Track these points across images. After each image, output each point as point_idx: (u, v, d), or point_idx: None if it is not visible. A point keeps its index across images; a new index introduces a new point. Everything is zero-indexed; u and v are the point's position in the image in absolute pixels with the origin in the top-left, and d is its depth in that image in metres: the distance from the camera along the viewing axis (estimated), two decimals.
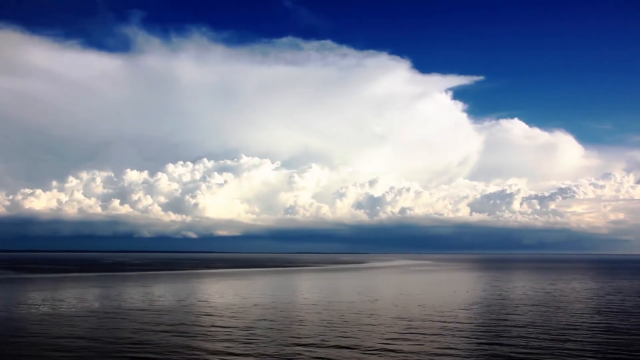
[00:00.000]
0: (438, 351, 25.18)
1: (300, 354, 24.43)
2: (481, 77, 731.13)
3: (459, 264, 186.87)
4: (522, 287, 67.70)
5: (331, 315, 37.73)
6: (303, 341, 27.48)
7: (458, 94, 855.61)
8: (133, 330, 31.10)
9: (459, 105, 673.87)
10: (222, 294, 56.60)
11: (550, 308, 42.58)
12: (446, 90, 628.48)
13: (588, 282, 77.99)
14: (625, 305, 44.74)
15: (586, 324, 33.70)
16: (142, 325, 32.96)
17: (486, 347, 26.19)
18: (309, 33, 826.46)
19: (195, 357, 23.93)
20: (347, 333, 29.95)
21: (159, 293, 56.98)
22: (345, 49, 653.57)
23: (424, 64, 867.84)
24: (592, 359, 23.70)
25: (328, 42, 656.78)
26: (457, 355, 24.25)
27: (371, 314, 38.14)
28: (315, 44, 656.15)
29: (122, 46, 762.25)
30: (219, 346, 26.20)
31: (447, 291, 61.10)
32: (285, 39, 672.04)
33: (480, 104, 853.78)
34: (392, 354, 24.64)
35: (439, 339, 28.10)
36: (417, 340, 27.96)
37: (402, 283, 78.49)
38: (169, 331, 30.61)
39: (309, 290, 61.60)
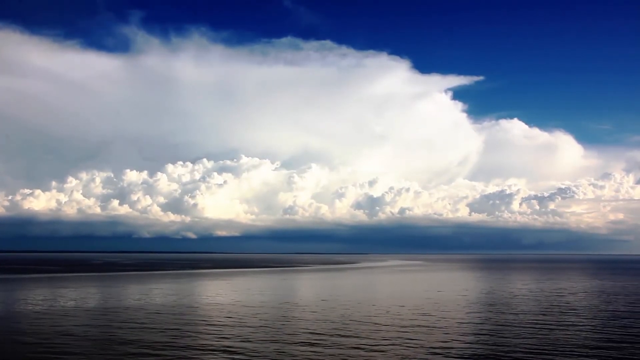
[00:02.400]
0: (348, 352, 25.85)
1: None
2: (481, 77, 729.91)
3: (452, 264, 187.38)
4: (497, 286, 68.31)
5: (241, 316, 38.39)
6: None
7: (458, 94, 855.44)
8: (98, 328, 31.85)
9: (458, 106, 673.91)
10: (199, 294, 57.31)
11: (498, 308, 43.20)
12: (446, 90, 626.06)
13: (562, 282, 78.57)
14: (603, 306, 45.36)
15: (533, 323, 34.34)
16: (107, 323, 33.71)
17: (401, 345, 26.86)
18: (309, 33, 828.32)
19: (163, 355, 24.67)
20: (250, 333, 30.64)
21: (132, 293, 57.75)
22: (345, 49, 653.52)
23: (424, 64, 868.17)
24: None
25: (328, 42, 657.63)
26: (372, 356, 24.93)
27: (294, 316, 38.82)
28: (314, 44, 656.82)
29: (121, 46, 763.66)
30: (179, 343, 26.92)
31: (418, 290, 61.69)
32: (284, 39, 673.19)
33: (479, 104, 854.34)
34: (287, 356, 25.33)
35: (358, 339, 28.77)
36: (320, 341, 28.64)
37: (374, 283, 79.25)
38: (128, 328, 31.35)
39: (272, 291, 62.29)
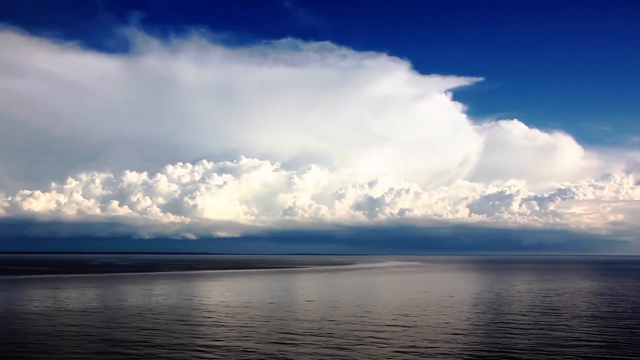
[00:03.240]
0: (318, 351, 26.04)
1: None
2: (481, 78, 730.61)
3: (449, 265, 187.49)
4: (486, 287, 68.47)
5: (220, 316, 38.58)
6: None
7: (458, 95, 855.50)
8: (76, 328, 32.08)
9: (458, 107, 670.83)
10: (185, 295, 57.55)
11: (479, 309, 43.38)
12: (446, 91, 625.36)
13: (554, 282, 78.68)
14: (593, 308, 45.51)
15: (518, 324, 34.50)
16: (83, 324, 33.94)
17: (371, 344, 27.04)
18: (309, 34, 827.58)
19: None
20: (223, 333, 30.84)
21: (119, 294, 57.98)
22: (344, 50, 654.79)
23: (424, 65, 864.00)
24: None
25: (327, 43, 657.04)
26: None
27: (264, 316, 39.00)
28: (314, 45, 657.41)
29: (121, 47, 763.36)
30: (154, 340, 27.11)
31: (406, 291, 61.85)
32: (284, 40, 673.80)
33: (479, 105, 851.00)
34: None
35: (330, 339, 28.96)
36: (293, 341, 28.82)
37: (364, 284, 79.45)
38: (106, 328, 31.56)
39: (260, 292, 62.49)
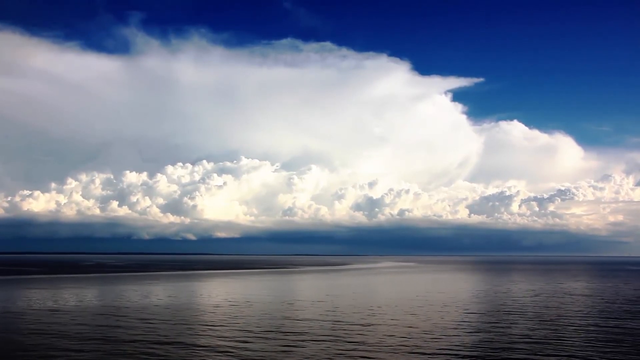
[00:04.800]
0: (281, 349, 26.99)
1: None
2: (481, 79, 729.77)
3: (445, 266, 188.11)
4: (466, 288, 69.34)
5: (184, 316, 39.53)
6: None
7: (458, 95, 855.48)
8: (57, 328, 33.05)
9: (458, 107, 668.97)
10: (169, 295, 58.56)
11: (448, 309, 44.27)
12: (446, 92, 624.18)
13: (530, 283, 79.49)
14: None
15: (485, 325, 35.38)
16: (60, 324, 34.93)
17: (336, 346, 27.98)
18: (309, 34, 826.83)
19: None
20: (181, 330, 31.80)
21: (102, 294, 58.98)
22: (344, 51, 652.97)
23: (424, 66, 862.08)
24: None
25: (327, 44, 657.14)
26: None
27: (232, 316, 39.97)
28: (314, 45, 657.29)
29: (121, 48, 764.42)
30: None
31: (385, 292, 62.79)
32: (284, 41, 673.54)
33: (479, 105, 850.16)
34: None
35: (290, 336, 29.91)
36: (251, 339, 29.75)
37: (349, 285, 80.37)
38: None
39: (243, 293, 63.43)
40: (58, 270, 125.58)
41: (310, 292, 63.27)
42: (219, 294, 59.72)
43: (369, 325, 33.99)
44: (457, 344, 27.69)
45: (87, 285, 72.08)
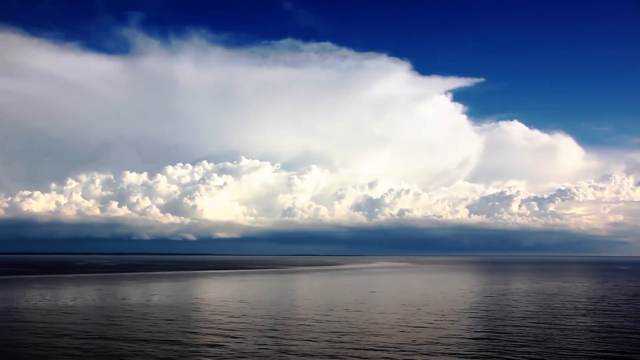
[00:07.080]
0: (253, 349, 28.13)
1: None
2: (481, 79, 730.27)
3: (440, 266, 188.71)
4: (447, 288, 70.32)
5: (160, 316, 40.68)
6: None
7: (458, 95, 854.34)
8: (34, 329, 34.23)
9: (458, 107, 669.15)
10: (152, 295, 59.71)
11: (425, 309, 45.33)
12: (446, 92, 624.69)
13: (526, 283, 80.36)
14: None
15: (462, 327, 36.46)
16: (41, 324, 36.10)
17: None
18: (309, 35, 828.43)
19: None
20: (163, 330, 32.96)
21: (81, 294, 60.17)
22: (345, 51, 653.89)
23: (424, 66, 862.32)
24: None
25: (328, 44, 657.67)
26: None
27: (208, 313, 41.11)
28: (314, 45, 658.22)
29: (121, 48, 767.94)
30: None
31: (361, 292, 63.86)
32: (284, 41, 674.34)
33: (480, 105, 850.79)
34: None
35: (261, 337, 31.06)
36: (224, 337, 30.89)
37: (331, 285, 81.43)
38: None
39: (226, 293, 64.52)
40: (57, 271, 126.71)
41: (297, 292, 64.23)
42: (218, 293, 60.80)
43: (323, 322, 35.10)
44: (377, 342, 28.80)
45: (87, 285, 73.22)
